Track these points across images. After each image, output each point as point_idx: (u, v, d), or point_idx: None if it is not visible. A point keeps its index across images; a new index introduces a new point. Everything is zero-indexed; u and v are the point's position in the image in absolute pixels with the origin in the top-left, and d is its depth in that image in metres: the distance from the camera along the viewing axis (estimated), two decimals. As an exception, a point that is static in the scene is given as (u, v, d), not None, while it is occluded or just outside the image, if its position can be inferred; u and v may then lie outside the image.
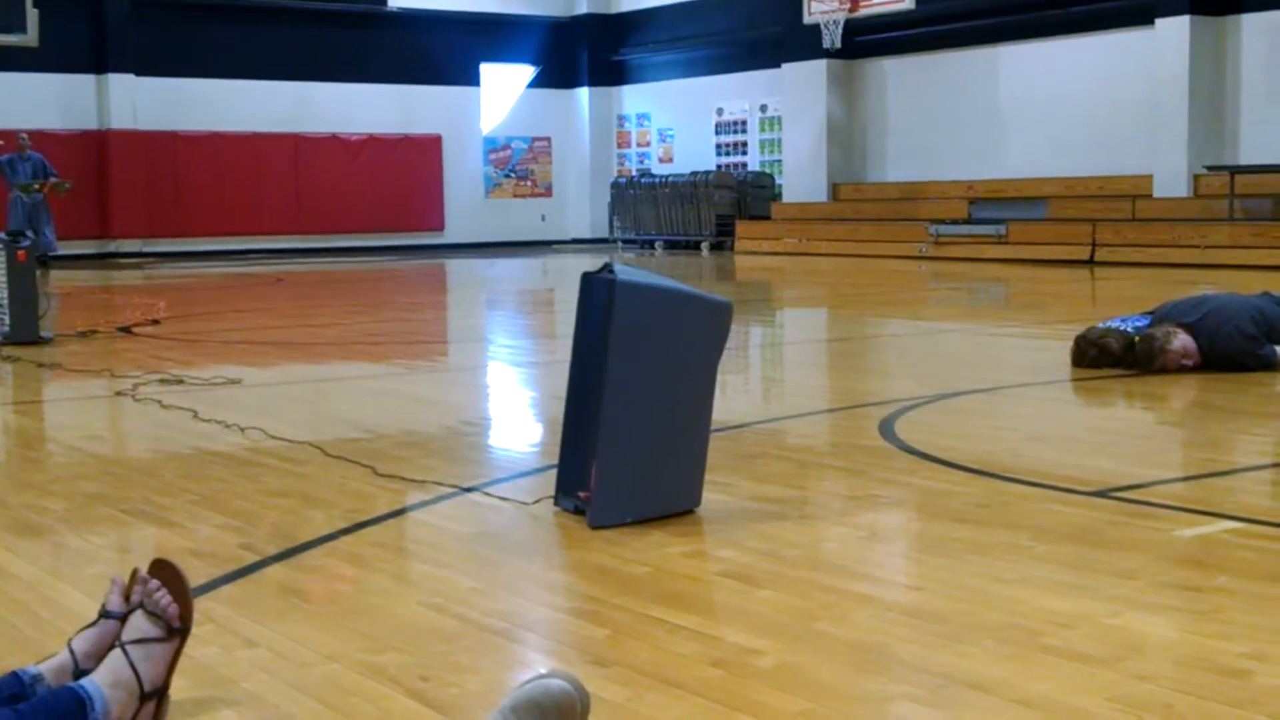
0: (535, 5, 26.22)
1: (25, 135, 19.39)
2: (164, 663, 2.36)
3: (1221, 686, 2.56)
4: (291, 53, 23.80)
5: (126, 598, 2.41)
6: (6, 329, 8.98)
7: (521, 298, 15.15)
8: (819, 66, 21.68)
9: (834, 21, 20.15)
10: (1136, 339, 6.83)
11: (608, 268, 3.90)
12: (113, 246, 22.41)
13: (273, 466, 4.86)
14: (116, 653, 2.31)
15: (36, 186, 19.04)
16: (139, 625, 2.36)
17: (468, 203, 25.74)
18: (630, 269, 3.92)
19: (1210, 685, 2.57)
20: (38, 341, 8.98)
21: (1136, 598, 3.12)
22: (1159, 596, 3.14)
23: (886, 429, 5.41)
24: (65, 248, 19.68)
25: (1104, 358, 6.94)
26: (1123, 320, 7.23)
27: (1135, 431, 5.90)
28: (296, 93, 23.90)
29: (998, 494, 4.26)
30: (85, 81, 22.34)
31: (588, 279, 3.97)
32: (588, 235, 26.27)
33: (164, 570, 2.43)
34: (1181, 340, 6.73)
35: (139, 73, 22.53)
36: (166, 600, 2.37)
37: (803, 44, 21.34)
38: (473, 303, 15.05)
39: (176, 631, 2.39)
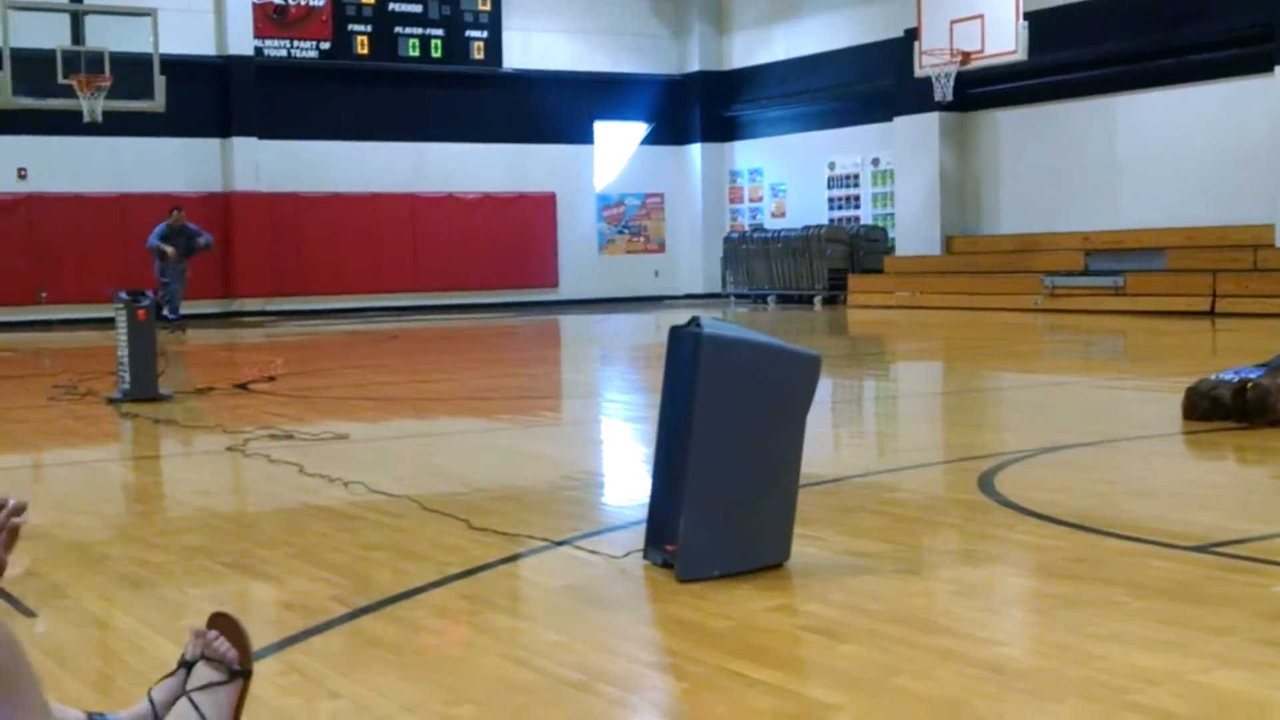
0: (648, 64, 26.47)
1: (179, 210, 18.84)
2: (229, 706, 2.41)
3: (1310, 747, 2.49)
4: (408, 114, 24.26)
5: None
6: (127, 386, 9.22)
7: (633, 353, 15.22)
8: (931, 119, 21.59)
9: (945, 74, 20.05)
10: (1249, 385, 6.68)
11: (694, 322, 3.92)
12: (236, 306, 22.93)
13: (371, 520, 4.93)
14: (183, 700, 2.38)
15: (183, 265, 18.95)
16: (202, 673, 2.42)
17: (581, 259, 25.96)
18: (717, 323, 3.94)
19: (1298, 745, 2.50)
20: (156, 398, 9.21)
21: (1229, 655, 3.05)
22: (1252, 654, 3.07)
23: (986, 483, 5.35)
24: (191, 307, 20.17)
25: (1216, 409, 6.79)
26: (1236, 372, 7.08)
27: (1242, 485, 5.76)
28: (413, 153, 24.34)
29: (1095, 549, 4.19)
30: (210, 145, 22.96)
31: (675, 334, 3.99)
32: (700, 290, 26.33)
33: (221, 621, 2.50)
34: (1293, 392, 6.57)
35: (261, 136, 23.10)
36: (225, 646, 2.44)
37: (914, 97, 21.27)
38: (584, 358, 15.15)
39: (238, 674, 2.45)
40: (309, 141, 23.49)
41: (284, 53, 23.36)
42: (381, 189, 24.01)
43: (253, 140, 23.07)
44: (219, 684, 2.42)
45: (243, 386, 10.58)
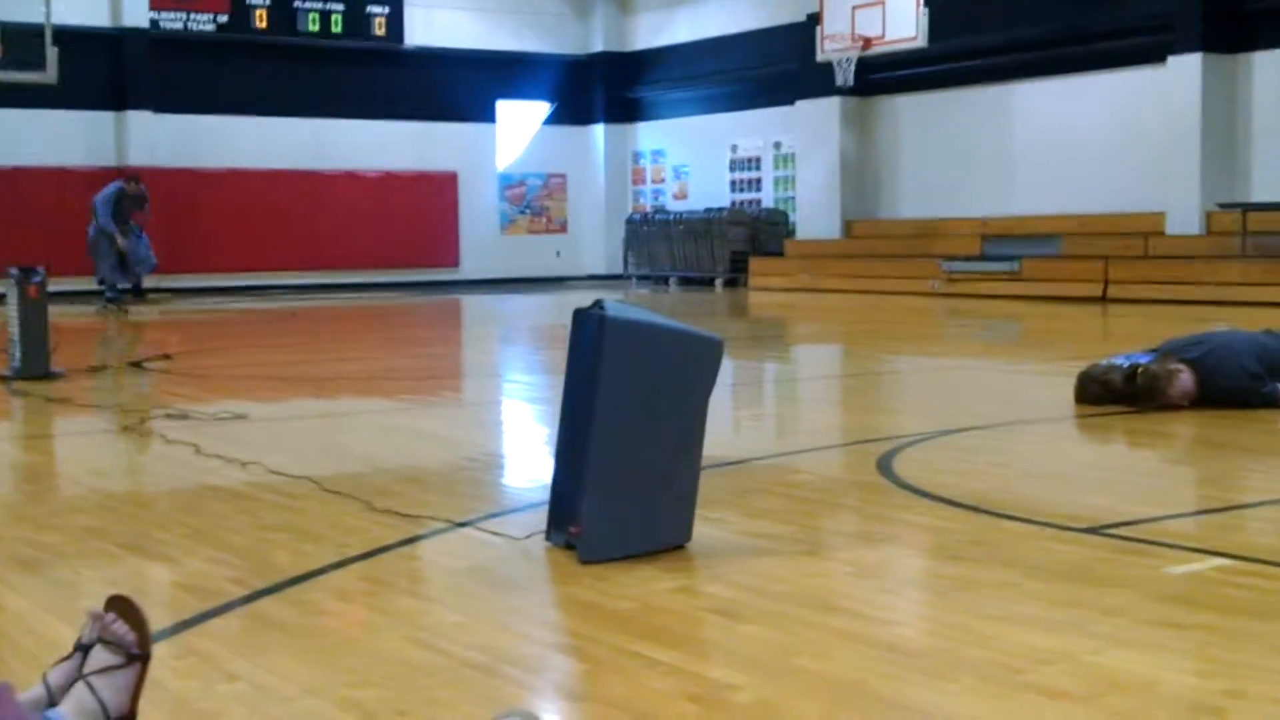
0: (552, 43, 26.37)
1: (135, 181, 19.40)
2: (127, 690, 2.39)
3: (1196, 724, 2.56)
4: (308, 90, 23.95)
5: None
6: (17, 364, 9.04)
7: (534, 334, 15.19)
8: (832, 104, 21.75)
9: (847, 59, 20.22)
10: (1139, 370, 6.82)
11: (598, 304, 3.92)
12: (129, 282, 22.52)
13: (270, 501, 4.89)
14: (80, 684, 2.34)
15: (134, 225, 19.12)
16: (100, 657, 2.39)
17: (483, 239, 25.83)
18: (621, 305, 3.95)
19: (1185, 722, 2.57)
20: (48, 376, 9.03)
21: (1120, 635, 3.12)
22: (1143, 634, 3.14)
23: (885, 465, 5.41)
24: (82, 284, 19.79)
25: (1107, 394, 6.93)
26: (1127, 357, 7.22)
27: (1134, 468, 5.89)
28: (313, 129, 24.05)
29: (991, 531, 4.26)
30: (104, 118, 22.50)
31: (578, 316, 4.00)
32: (602, 271, 26.33)
33: (118, 604, 2.47)
34: (1181, 384, 6.71)
35: (157, 109, 22.70)
36: (123, 629, 2.41)
37: (816, 81, 21.41)
38: (486, 339, 15.10)
39: (136, 657, 2.42)
40: (207, 116, 23.12)
41: (180, 25, 22.95)
42: (281, 165, 23.70)
43: (148, 114, 22.65)
44: (117, 667, 2.38)
45: (137, 365, 10.41)
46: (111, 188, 19.09)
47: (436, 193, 25.25)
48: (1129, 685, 2.79)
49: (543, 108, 26.45)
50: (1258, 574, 3.66)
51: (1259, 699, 2.68)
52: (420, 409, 8.02)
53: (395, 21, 24.62)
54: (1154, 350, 7.18)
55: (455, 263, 25.54)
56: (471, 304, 20.49)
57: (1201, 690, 2.76)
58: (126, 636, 2.43)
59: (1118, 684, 2.79)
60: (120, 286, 18.98)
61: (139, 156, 22.46)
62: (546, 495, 4.11)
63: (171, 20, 22.87)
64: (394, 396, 8.51)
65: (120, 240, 18.58)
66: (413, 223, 24.87)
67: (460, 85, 25.28)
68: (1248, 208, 16.34)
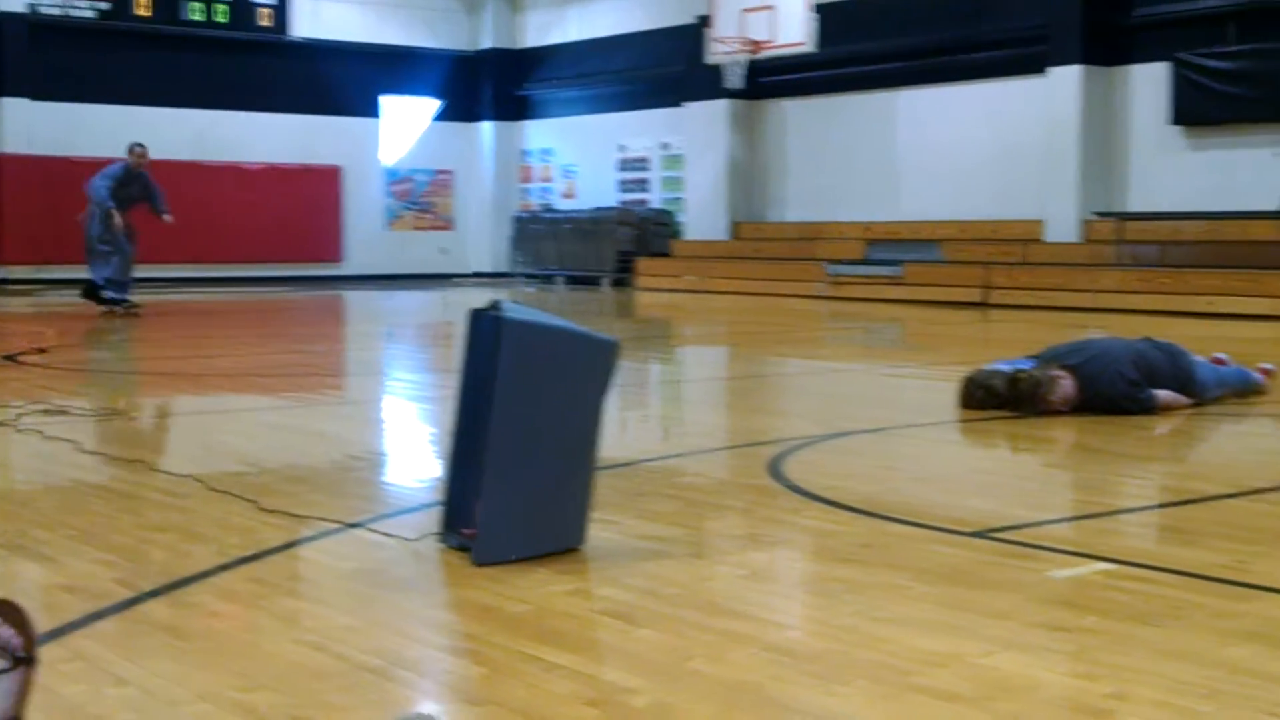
0: (438, 38, 26.19)
1: (142, 147, 15.31)
2: (13, 694, 2.33)
3: (1083, 726, 2.62)
4: (191, 80, 23.53)
5: None
6: (-114, 356, 8.69)
7: (420, 331, 15.09)
8: (721, 106, 21.87)
9: (736, 62, 20.35)
10: (1021, 376, 6.95)
11: (495, 305, 3.91)
12: (4, 273, 21.98)
13: (154, 500, 4.80)
14: (-36, 690, 2.28)
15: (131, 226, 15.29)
16: (-17, 662, 2.33)
17: (368, 234, 25.58)
18: (518, 307, 3.94)
19: (1072, 725, 2.63)
20: (-81, 369, 8.76)
21: (1008, 638, 3.18)
22: (1029, 636, 3.20)
23: (776, 468, 5.46)
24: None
25: (990, 399, 7.05)
26: (1010, 363, 7.35)
27: (1017, 473, 6.00)
28: (196, 120, 23.63)
29: (880, 534, 4.32)
30: (-22, 104, 21.95)
31: (475, 316, 3.98)
32: (489, 269, 26.21)
33: (2, 607, 2.41)
34: (1062, 390, 6.85)
35: (35, 97, 22.17)
36: (8, 633, 2.35)
37: (705, 83, 21.52)
38: (370, 335, 14.95)
39: (22, 661, 2.37)
40: (86, 105, 22.61)
41: (59, 11, 22.43)
42: (163, 156, 23.16)
43: (25, 101, 22.11)
44: (2, 672, 2.32)
45: (11, 359, 10.16)
46: (118, 165, 15.36)
47: (320, 187, 24.95)
48: (1017, 687, 2.84)
49: (430, 104, 26.27)
50: (1138, 578, 3.75)
51: (1142, 701, 2.74)
52: (304, 407, 7.93)
53: (281, 13, 24.29)
54: (1036, 356, 7.32)
55: (339, 258, 25.26)
56: (356, 300, 20.29)
57: (1087, 693, 2.82)
58: (12, 640, 2.37)
59: (1006, 686, 2.84)
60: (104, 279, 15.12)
61: (15, 144, 21.94)
62: (437, 496, 4.10)
63: (50, 6, 22.33)
64: (277, 394, 8.40)
65: (117, 219, 14.77)
66: (296, 216, 24.56)
67: (346, 79, 25.00)
68: (1124, 217, 16.73)
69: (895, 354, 12.30)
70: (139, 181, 15.19)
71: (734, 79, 20.28)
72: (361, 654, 3.04)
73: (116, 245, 14.95)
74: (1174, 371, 7.10)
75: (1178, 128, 16.88)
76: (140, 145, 15.26)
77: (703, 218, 22.53)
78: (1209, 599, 3.52)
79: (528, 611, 3.39)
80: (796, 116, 21.58)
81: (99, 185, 14.94)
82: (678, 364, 11.75)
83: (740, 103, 21.81)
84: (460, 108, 26.45)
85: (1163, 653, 3.04)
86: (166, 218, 15.36)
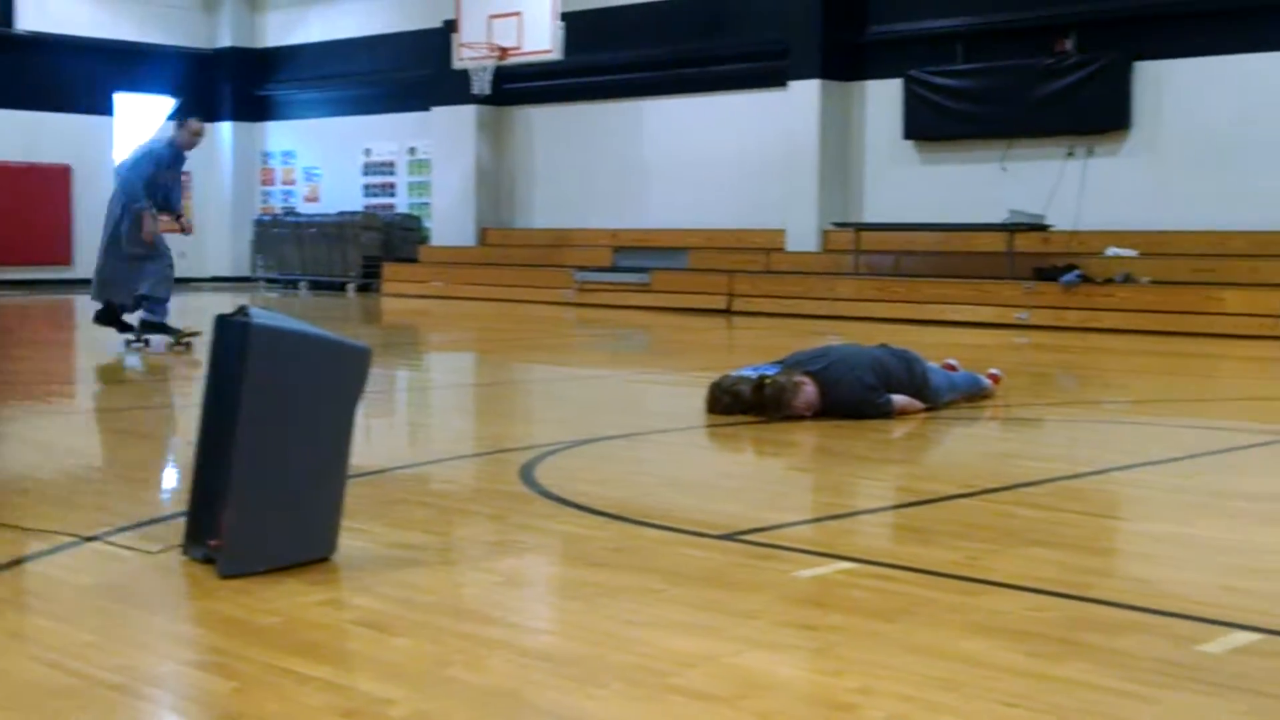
0: (174, 35, 25.38)
1: (197, 121, 12.11)
2: None
3: (832, 720, 2.70)
4: (-92, 71, 22.33)
5: None
6: None
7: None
8: (468, 111, 21.79)
9: (483, 68, 20.30)
10: (766, 382, 7.12)
11: (242, 310, 3.82)
12: None
13: None
14: None
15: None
16: None
17: (99, 236, 24.60)
18: (266, 312, 3.85)
19: (821, 719, 2.71)
20: None
21: (758, 637, 3.25)
22: (778, 635, 3.29)
23: (527, 474, 5.47)
24: None
25: (736, 405, 7.20)
26: (755, 369, 7.52)
27: (763, 476, 6.15)
28: (-88, 114, 22.42)
29: (632, 538, 4.37)
30: None
31: (222, 322, 3.87)
32: (229, 274, 25.52)
33: None
34: (805, 396, 7.05)
35: None
36: None
37: (452, 88, 21.41)
38: (102, 341, 14.38)
39: None
40: None
41: None
42: (-127, 151, 21.97)
43: None
44: None
45: None
46: (162, 142, 12.07)
47: (47, 186, 23.90)
48: (769, 685, 2.91)
49: (166, 102, 25.44)
50: (879, 576, 3.88)
51: (886, 695, 2.84)
52: (31, 416, 7.58)
53: (4, 4, 23.21)
54: (780, 363, 7.51)
55: (69, 260, 24.24)
56: (86, 304, 19.47)
57: (834, 688, 2.91)
58: None
59: (758, 684, 2.91)
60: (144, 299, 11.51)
61: None
62: (178, 507, 3.98)
63: None
64: (1, 402, 8.01)
65: (149, 223, 11.32)
66: (21, 217, 23.46)
67: (76, 74, 24.01)
68: (860, 227, 17.30)
69: (643, 360, 12.45)
70: (178, 166, 11.76)
71: (481, 85, 20.22)
72: (103, 671, 2.93)
73: (157, 250, 11.47)
74: (909, 377, 7.38)
75: (910, 142, 17.56)
76: (198, 120, 12.00)
77: (450, 223, 22.42)
78: (945, 594, 3.67)
79: (278, 623, 3.32)
80: (545, 124, 21.66)
81: (131, 177, 11.47)
82: (427, 371, 11.65)
83: (488, 109, 21.78)
84: (198, 107, 25.64)
85: (903, 647, 3.16)
86: (184, 231, 12.13)
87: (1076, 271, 15.10)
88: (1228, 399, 9.24)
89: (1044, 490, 5.34)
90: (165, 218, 11.60)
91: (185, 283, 24.66)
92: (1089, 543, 4.51)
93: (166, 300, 11.42)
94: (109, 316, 11.72)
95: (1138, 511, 5.14)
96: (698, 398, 7.52)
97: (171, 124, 11.22)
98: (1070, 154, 16.29)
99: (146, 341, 11.38)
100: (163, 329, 11.31)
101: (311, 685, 2.85)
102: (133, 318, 11.56)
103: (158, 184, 11.48)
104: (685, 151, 19.65)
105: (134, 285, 11.40)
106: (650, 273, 18.72)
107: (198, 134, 11.73)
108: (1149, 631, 3.32)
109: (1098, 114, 15.96)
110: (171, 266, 11.69)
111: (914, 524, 4.82)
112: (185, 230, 12.15)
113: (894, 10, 17.69)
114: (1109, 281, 14.98)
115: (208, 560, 3.79)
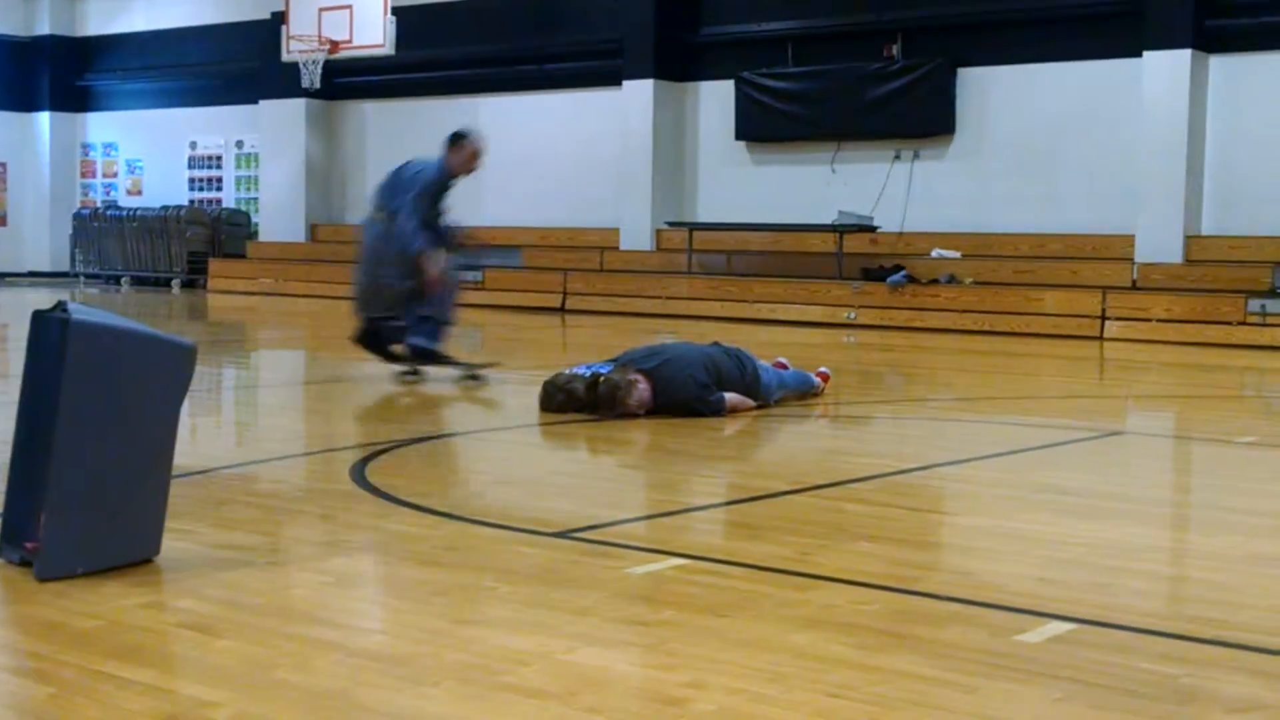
0: (-11, 22, 24.54)
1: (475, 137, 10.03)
2: None
3: (663, 715, 2.72)
4: None
5: None
6: None
7: (-30, 333, 14.07)
8: (298, 105, 21.44)
9: (313, 61, 19.99)
10: (600, 380, 7.14)
11: (61, 306, 3.70)
12: None
13: None
14: None
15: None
16: None
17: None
18: (86, 308, 3.75)
19: (653, 714, 2.73)
20: None
21: (591, 633, 3.26)
22: (611, 632, 3.30)
23: (358, 473, 5.40)
24: None
25: (570, 402, 7.21)
26: (588, 367, 7.54)
27: (596, 474, 6.17)
28: None
29: (465, 537, 4.35)
30: None
31: (39, 318, 3.75)
32: (47, 268, 24.74)
33: None
34: (638, 394, 7.09)
35: None
36: None
37: (281, 81, 21.03)
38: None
39: None
40: None
41: None
42: None
43: None
44: None
45: None
46: (432, 168, 9.86)
47: None
48: (602, 681, 2.93)
49: (-21, 90, 24.58)
50: (710, 572, 3.92)
51: (716, 689, 2.87)
52: None
53: None
54: (614, 360, 7.54)
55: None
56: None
57: (665, 683, 2.93)
58: None
59: (591, 680, 2.92)
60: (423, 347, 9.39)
61: None
62: (-3, 509, 3.84)
63: None
64: None
65: (432, 265, 9.26)
66: None
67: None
68: (693, 227, 17.44)
69: (477, 358, 12.37)
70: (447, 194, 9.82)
71: (312, 78, 19.91)
72: (-89, 680, 2.82)
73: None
74: (741, 375, 7.47)
75: (742, 143, 17.76)
76: (476, 138, 9.98)
77: (279, 219, 22.03)
78: (775, 589, 3.72)
79: (99, 627, 3.23)
80: (376, 119, 21.42)
81: (406, 223, 9.35)
82: (255, 368, 11.44)
83: (318, 103, 21.47)
84: (14, 96, 24.86)
85: (733, 641, 3.20)
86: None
87: (903, 272, 15.44)
88: (1047, 397, 9.53)
89: (872, 486, 5.44)
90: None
91: (1, 278, 23.90)
92: (915, 537, 4.61)
93: (444, 326, 9.62)
94: (370, 338, 9.64)
95: (961, 506, 5.28)
96: (531, 396, 7.51)
97: (443, 144, 9.60)
98: (897, 157, 16.64)
99: (416, 374, 9.41)
100: (438, 360, 9.49)
101: (132, 690, 2.78)
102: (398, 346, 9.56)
103: (432, 217, 9.63)
104: (520, 149, 19.58)
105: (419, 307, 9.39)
106: (484, 271, 18.64)
107: (476, 157, 9.84)
108: (970, 623, 3.41)
109: (923, 118, 16.33)
110: (456, 289, 9.92)
111: (746, 520, 4.88)
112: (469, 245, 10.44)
113: (727, 12, 17.87)
114: (934, 282, 15.35)
115: (24, 563, 3.68)
